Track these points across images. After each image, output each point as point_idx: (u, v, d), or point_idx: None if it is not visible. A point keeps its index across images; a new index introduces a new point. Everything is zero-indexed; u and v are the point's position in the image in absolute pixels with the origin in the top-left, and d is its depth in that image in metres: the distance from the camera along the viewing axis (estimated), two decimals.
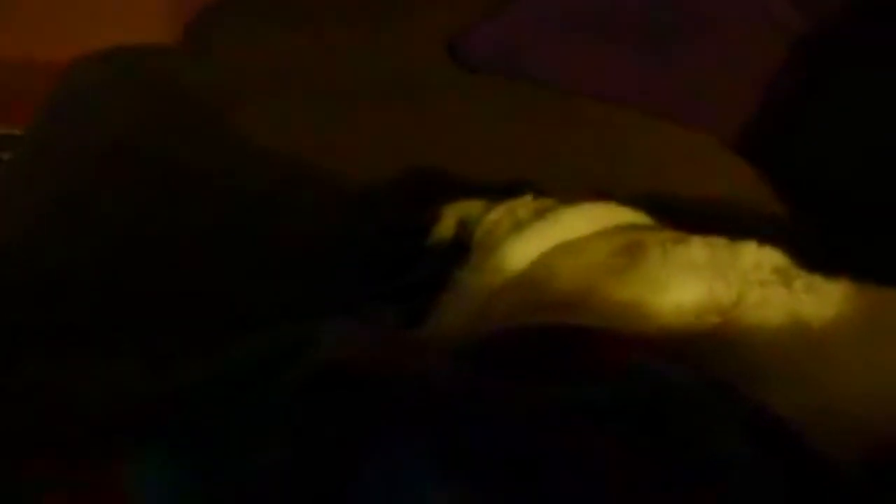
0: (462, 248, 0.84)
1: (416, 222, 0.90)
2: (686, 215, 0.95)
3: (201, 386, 0.48)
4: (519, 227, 0.83)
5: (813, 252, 0.92)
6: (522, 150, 1.19)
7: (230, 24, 1.54)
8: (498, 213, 0.87)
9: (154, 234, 1.05)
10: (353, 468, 0.41)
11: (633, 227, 0.84)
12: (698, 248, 0.76)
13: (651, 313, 0.69)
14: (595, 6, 1.38)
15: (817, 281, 0.74)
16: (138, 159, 1.17)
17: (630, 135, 1.26)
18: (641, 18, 1.34)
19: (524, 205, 0.86)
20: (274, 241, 1.04)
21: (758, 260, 0.75)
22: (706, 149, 1.25)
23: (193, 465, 0.42)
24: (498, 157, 1.18)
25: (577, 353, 0.53)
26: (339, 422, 0.44)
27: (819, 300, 0.71)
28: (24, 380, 0.64)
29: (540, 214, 0.83)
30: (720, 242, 0.77)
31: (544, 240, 0.80)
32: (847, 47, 1.21)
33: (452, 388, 0.48)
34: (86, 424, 0.49)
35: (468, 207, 0.88)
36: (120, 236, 1.03)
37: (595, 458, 0.47)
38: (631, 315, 0.69)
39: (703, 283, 0.72)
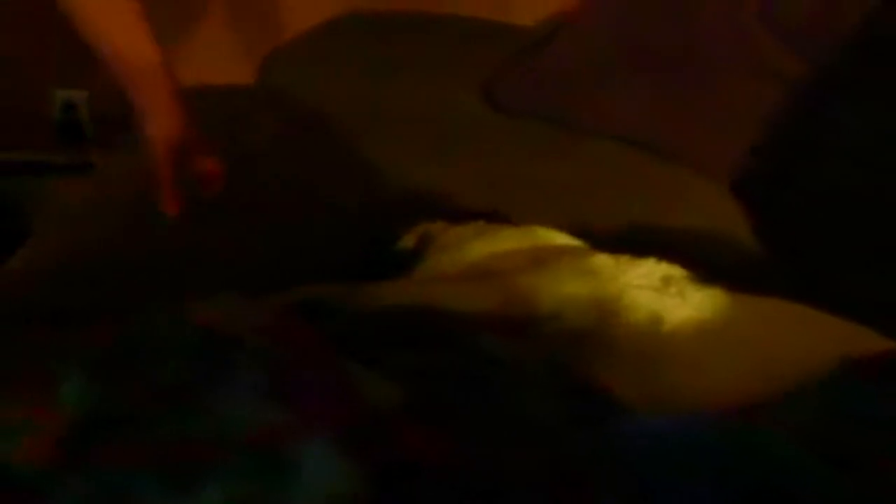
0: (416, 255, 0.98)
1: (393, 236, 1.04)
2: (653, 244, 1.05)
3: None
4: (475, 236, 0.97)
5: (772, 283, 1.01)
6: (522, 181, 1.31)
7: (294, 67, 1.72)
8: (464, 229, 1.01)
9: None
10: None
11: (559, 247, 0.97)
12: (601, 259, 0.86)
13: (543, 301, 0.80)
14: (611, 57, 1.48)
15: (690, 288, 0.83)
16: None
17: (629, 172, 1.35)
18: (653, 65, 1.44)
19: (479, 225, 1.00)
20: (290, 240, 1.18)
21: (650, 270, 0.85)
22: (702, 187, 1.34)
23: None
24: (501, 188, 1.30)
25: (438, 329, 0.65)
26: None
27: (682, 303, 0.80)
28: None
29: (484, 230, 0.97)
30: (625, 258, 0.88)
31: (486, 246, 0.94)
32: (838, 90, 1.28)
33: None
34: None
35: (431, 227, 1.03)
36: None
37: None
38: (526, 298, 0.80)
39: (590, 283, 0.82)
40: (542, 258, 0.87)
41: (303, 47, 1.77)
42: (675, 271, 0.86)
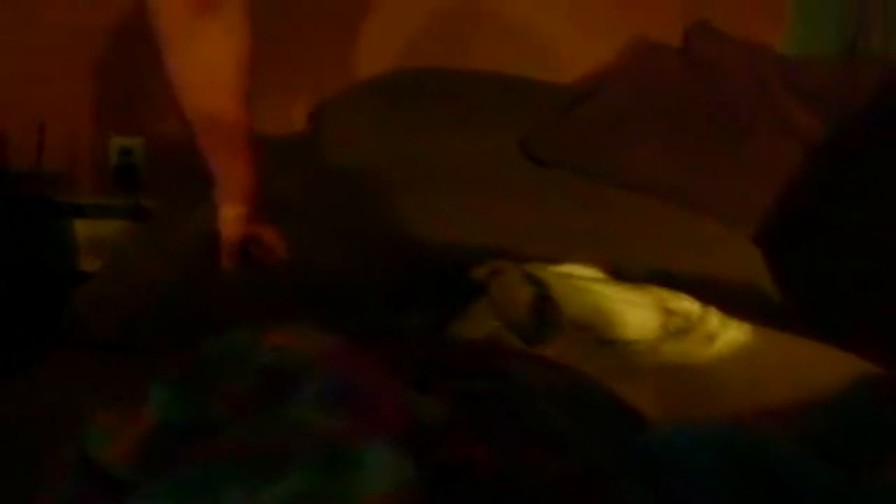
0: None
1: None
2: (680, 289, 1.13)
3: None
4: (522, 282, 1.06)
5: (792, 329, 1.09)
6: (556, 229, 1.39)
7: (342, 119, 1.81)
8: (512, 274, 1.09)
9: None
10: None
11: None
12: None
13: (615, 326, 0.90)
14: (644, 115, 1.56)
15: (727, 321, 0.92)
16: None
17: (658, 222, 1.43)
18: (684, 124, 1.52)
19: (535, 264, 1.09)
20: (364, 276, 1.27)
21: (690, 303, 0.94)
22: (727, 238, 1.40)
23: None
24: (537, 236, 1.38)
25: (475, 358, 0.73)
26: None
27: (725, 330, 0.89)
28: None
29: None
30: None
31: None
32: (859, 153, 1.35)
33: None
34: None
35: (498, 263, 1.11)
36: None
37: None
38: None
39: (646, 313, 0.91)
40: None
41: (351, 100, 1.87)
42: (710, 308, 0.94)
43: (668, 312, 1.02)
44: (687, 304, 1.00)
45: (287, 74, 2.09)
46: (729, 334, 0.97)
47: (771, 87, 1.59)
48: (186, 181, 1.74)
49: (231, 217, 1.21)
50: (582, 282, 1.08)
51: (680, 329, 0.98)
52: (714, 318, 0.98)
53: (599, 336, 0.98)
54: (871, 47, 1.92)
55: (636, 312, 0.98)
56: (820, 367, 0.89)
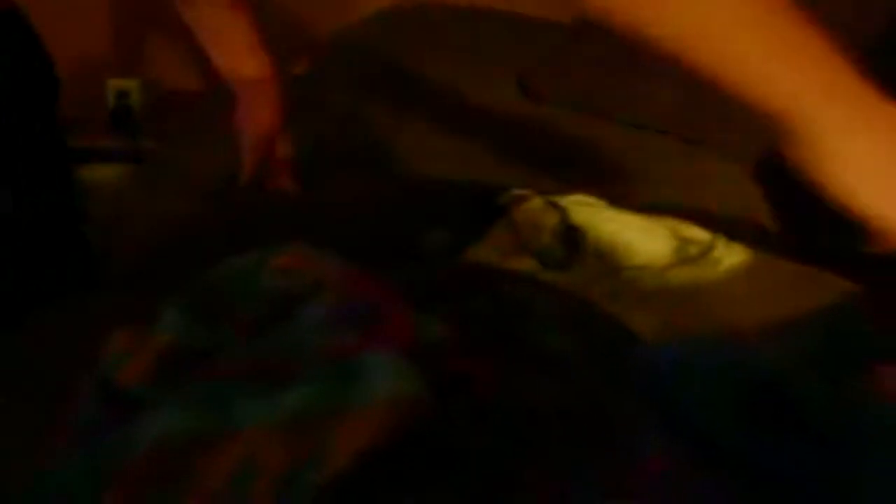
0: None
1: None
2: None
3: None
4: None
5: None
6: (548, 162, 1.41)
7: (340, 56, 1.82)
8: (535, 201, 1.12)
9: None
10: None
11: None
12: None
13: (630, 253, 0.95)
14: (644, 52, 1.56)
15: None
16: None
17: (655, 156, 1.44)
18: None
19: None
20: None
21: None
22: (725, 172, 1.42)
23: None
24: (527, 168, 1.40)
25: (476, 281, 0.75)
26: None
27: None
28: None
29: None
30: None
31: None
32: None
33: None
34: None
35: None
36: None
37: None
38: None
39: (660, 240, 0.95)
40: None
41: (349, 39, 1.87)
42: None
43: (682, 240, 1.06)
44: (698, 232, 1.04)
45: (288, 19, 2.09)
46: (733, 258, 1.00)
47: None
48: (184, 122, 1.75)
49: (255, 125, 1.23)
50: (600, 210, 1.10)
51: (692, 256, 1.02)
52: (720, 244, 1.01)
53: (616, 263, 1.02)
54: None
55: (650, 240, 1.02)
56: (811, 288, 0.93)
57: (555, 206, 1.05)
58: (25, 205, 1.11)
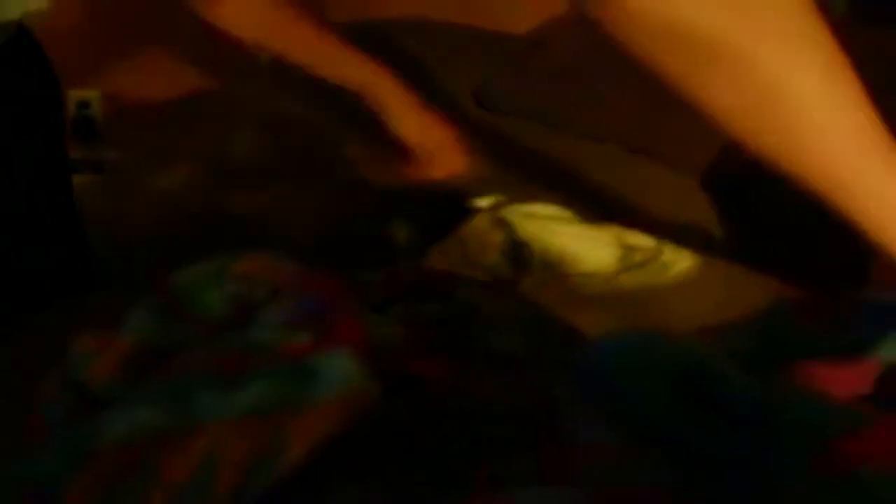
0: None
1: None
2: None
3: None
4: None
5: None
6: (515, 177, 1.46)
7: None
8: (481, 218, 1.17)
9: None
10: None
11: None
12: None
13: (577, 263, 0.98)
14: (589, 62, 1.61)
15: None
16: None
17: (602, 166, 1.50)
18: (627, 69, 1.57)
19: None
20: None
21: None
22: (672, 181, 1.47)
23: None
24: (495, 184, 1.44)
25: (430, 285, 0.79)
26: None
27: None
28: None
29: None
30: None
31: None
32: None
33: None
34: None
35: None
36: None
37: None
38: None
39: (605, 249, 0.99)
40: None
41: None
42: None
43: (628, 248, 1.10)
44: (644, 240, 1.09)
45: None
46: (682, 264, 1.05)
47: None
48: (147, 132, 1.78)
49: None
50: (548, 222, 1.14)
51: (638, 263, 1.06)
52: (668, 250, 1.06)
53: (562, 272, 1.06)
54: None
55: (595, 249, 1.06)
56: (756, 293, 0.98)
57: (501, 221, 1.09)
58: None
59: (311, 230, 1.42)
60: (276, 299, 0.68)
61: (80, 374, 0.68)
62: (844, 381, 0.63)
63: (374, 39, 1.89)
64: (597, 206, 1.38)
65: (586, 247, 1.07)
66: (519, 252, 1.09)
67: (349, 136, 1.62)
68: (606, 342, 0.63)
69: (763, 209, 1.42)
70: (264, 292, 0.69)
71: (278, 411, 0.57)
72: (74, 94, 2.33)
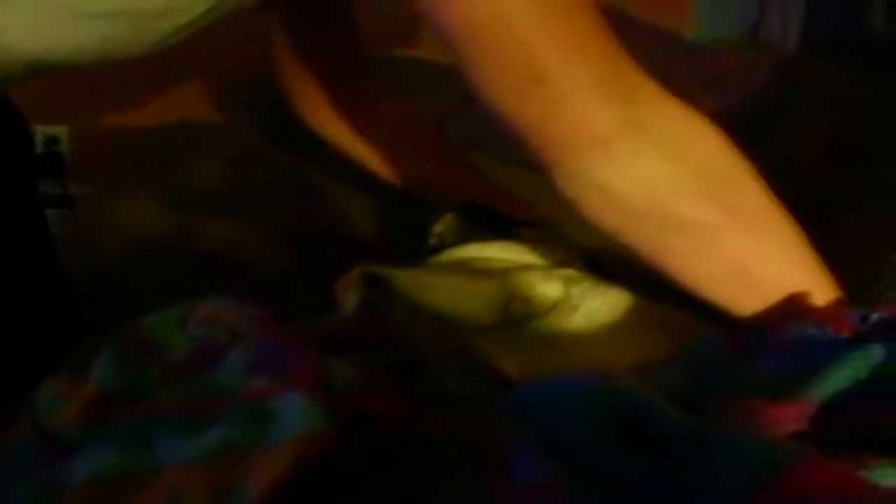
0: None
1: None
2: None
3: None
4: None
5: None
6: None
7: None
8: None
9: None
10: None
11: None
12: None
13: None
14: None
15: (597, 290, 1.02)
16: None
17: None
18: None
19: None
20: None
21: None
22: None
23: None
24: None
25: (371, 334, 0.83)
26: None
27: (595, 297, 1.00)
28: None
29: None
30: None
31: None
32: (755, 132, 1.47)
33: None
34: None
35: None
36: None
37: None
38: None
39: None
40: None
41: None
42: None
43: (512, 300, 1.03)
44: (542, 289, 1.03)
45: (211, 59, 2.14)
46: (590, 304, 1.00)
47: (676, 72, 1.71)
48: (115, 167, 1.81)
49: None
50: (431, 279, 1.06)
51: (520, 316, 1.00)
52: (577, 291, 1.02)
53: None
54: (772, 33, 2.05)
55: (468, 304, 1.00)
56: (677, 330, 0.96)
57: (371, 278, 1.02)
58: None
59: (277, 263, 1.45)
60: (237, 343, 0.71)
61: (48, 419, 0.71)
62: (780, 419, 0.67)
63: None
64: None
65: (459, 301, 0.99)
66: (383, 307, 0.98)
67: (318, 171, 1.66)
68: (546, 381, 0.67)
69: None
70: (225, 336, 0.73)
71: (239, 453, 0.61)
72: (42, 130, 2.36)
